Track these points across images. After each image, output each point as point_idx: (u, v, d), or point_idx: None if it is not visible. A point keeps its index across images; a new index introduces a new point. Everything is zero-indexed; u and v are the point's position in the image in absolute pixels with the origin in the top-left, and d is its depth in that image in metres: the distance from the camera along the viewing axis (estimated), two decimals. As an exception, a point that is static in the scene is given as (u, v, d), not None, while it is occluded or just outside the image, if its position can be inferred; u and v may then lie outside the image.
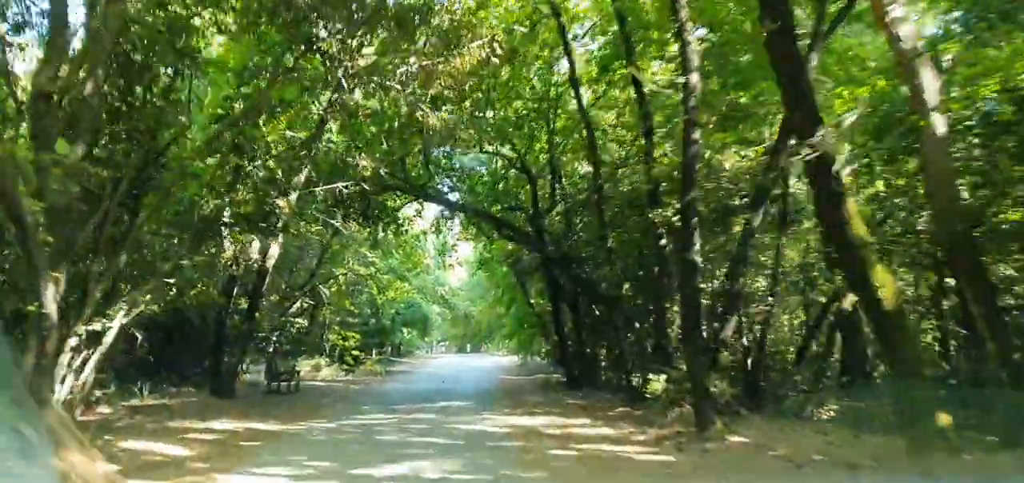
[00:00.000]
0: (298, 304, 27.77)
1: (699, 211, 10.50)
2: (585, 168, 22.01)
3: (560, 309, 21.05)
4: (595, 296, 17.73)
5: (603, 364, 22.39)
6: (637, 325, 15.04)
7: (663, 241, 14.20)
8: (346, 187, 16.49)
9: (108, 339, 11.67)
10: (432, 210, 31.43)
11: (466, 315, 73.24)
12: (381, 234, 28.24)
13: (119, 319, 11.75)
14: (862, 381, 14.57)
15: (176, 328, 20.10)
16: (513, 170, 21.00)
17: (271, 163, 14.95)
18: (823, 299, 15.80)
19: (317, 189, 16.31)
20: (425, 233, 33.29)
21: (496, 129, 18.00)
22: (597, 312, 22.01)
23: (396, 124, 17.56)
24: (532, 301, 30.93)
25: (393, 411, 15.03)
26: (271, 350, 26.06)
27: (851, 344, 15.66)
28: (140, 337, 18.14)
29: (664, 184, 14.04)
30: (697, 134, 9.63)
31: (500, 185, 22.08)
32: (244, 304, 18.01)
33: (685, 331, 10.25)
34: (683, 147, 9.77)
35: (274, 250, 16.38)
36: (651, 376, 14.58)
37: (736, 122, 12.76)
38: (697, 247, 9.83)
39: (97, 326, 11.40)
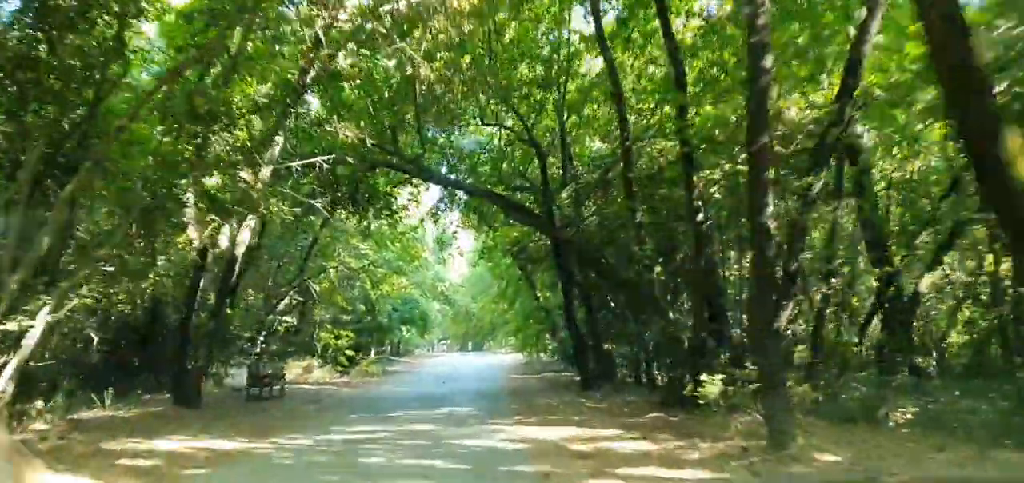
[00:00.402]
0: (286, 300, 25.54)
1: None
2: (597, 144, 19.83)
3: (572, 301, 18.78)
4: (615, 283, 15.47)
5: (619, 362, 20.19)
6: (670, 315, 12.71)
7: (700, 215, 11.95)
8: (327, 162, 14.20)
9: (29, 341, 9.41)
10: (429, 198, 29.22)
11: (467, 312, 71.09)
12: (374, 224, 26.12)
13: (43, 317, 9.51)
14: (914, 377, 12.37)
15: (151, 328, 17.93)
16: (519, 144, 18.69)
17: (238, 131, 12.71)
18: (875, 282, 13.65)
19: (294, 164, 14.02)
20: (421, 222, 31.11)
21: (499, 93, 15.69)
22: (612, 304, 19.83)
23: (386, 90, 15.35)
24: (538, 294, 28.73)
25: (386, 420, 12.77)
26: (257, 351, 23.86)
27: (901, 336, 13.42)
28: (96, 338, 16.08)
29: (702, 146, 11.80)
30: (768, 60, 7.35)
31: (504, 163, 19.78)
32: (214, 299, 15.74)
33: (757, 319, 7.96)
34: (750, 78, 7.49)
35: (244, 236, 14.10)
36: (686, 374, 12.31)
37: (796, 63, 10.49)
38: (770, 209, 7.53)
39: (12, 325, 9.20)
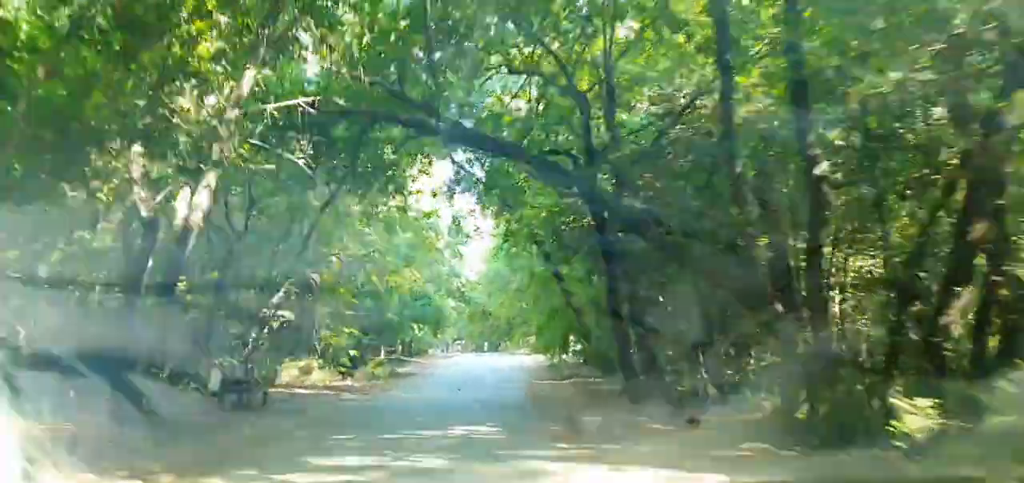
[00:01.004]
0: (282, 292, 22.25)
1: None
2: (644, 105, 16.29)
3: (618, 294, 15.20)
4: (691, 265, 11.89)
5: (672, 368, 16.61)
6: (806, 312, 8.97)
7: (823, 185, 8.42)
8: (312, 106, 10.83)
9: None
10: (442, 175, 25.83)
11: (483, 311, 67.66)
12: (381, 206, 22.75)
13: None
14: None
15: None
16: (553, 102, 15.18)
17: (191, 60, 9.37)
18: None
19: (268, 107, 10.66)
20: (435, 212, 27.76)
21: (531, 30, 12.20)
22: (661, 297, 16.31)
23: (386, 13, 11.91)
24: (566, 289, 25.25)
25: (382, 447, 9.31)
26: (247, 349, 20.60)
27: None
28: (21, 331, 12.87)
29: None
30: None
31: (534, 130, 16.26)
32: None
33: None
34: None
35: (202, 199, 10.72)
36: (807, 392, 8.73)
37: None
38: None
39: None
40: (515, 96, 16.45)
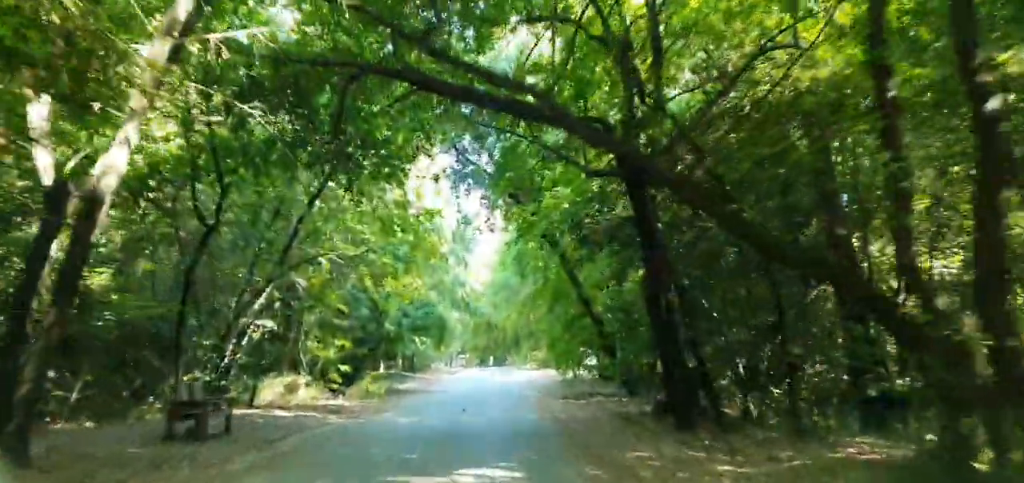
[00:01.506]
0: (263, 298, 19.40)
1: None
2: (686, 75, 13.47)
3: (664, 296, 12.23)
4: (782, 256, 8.94)
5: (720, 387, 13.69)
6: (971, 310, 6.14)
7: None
8: (270, 42, 8.04)
9: None
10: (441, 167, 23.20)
11: (488, 323, 64.64)
12: (377, 200, 19.94)
13: None
14: None
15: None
16: (583, 56, 12.32)
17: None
18: None
19: (211, 37, 7.85)
20: (437, 181, 24.89)
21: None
22: (699, 300, 13.37)
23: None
24: (585, 295, 22.36)
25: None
26: (222, 365, 17.77)
27: None
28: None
29: None
30: None
31: (567, 73, 13.29)
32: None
33: None
34: None
35: (117, 158, 7.85)
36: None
37: None
38: None
39: None
40: (534, 57, 13.57)
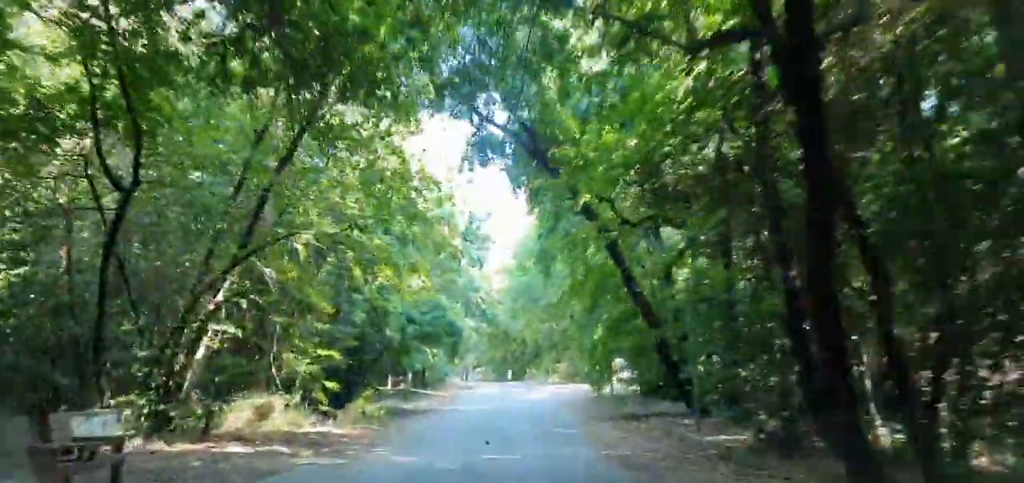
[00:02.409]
0: (222, 295, 14.65)
1: None
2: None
3: (823, 260, 7.24)
4: None
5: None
6: None
7: None
8: None
9: None
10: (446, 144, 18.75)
11: (506, 333, 59.54)
12: (354, 157, 15.17)
13: None
14: None
15: None
16: None
17: None
18: None
19: None
20: (449, 197, 20.15)
21: None
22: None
23: None
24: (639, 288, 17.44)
25: None
26: (162, 385, 13.08)
27: None
28: None
29: None
30: None
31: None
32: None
33: None
34: None
35: None
36: None
37: None
38: None
39: None
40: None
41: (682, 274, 16.62)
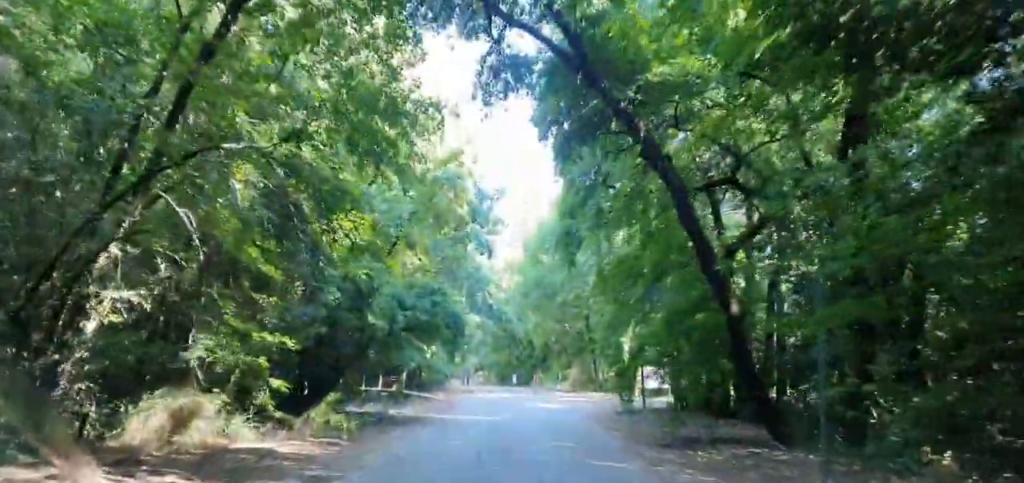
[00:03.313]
0: (115, 247, 9.71)
1: None
2: None
3: None
4: None
5: None
6: None
7: None
8: None
9: None
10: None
11: (512, 335, 54.35)
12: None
13: None
14: None
15: None
16: None
17: None
18: None
19: None
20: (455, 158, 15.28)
21: None
22: None
23: None
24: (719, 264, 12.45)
25: None
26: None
27: None
28: None
29: None
30: None
31: None
32: None
33: None
34: None
35: None
36: None
37: None
38: None
39: None
40: None
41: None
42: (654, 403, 22.68)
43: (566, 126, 15.28)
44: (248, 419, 12.57)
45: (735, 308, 11.93)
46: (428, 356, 27.94)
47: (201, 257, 10.71)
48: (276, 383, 11.62)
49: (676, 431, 14.77)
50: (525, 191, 55.64)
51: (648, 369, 23.63)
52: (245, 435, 12.27)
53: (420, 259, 19.80)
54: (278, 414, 13.18)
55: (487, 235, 26.93)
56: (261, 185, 10.70)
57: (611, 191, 20.79)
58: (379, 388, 28.78)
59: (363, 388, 27.47)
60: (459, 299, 24.06)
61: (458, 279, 24.77)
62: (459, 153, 17.34)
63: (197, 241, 10.33)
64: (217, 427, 11.35)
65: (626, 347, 23.98)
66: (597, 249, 22.31)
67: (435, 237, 20.36)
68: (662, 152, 12.22)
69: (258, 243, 10.65)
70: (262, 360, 11.47)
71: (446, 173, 18.33)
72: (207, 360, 11.27)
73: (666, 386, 30.23)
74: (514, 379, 54.94)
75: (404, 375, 30.04)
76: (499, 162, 70.97)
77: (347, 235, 9.95)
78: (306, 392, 15.79)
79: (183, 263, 10.95)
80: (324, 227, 10.30)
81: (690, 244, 12.46)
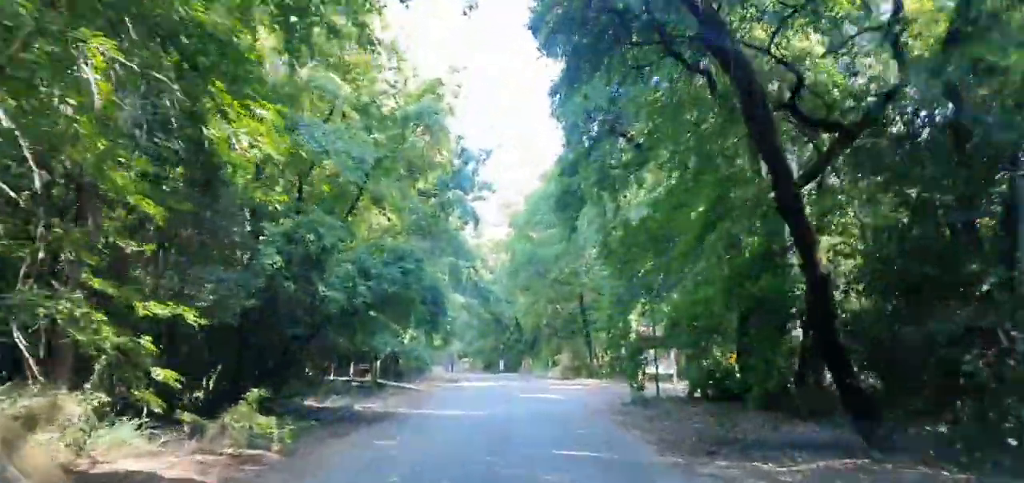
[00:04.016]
0: None
1: None
2: None
3: None
4: None
5: None
6: None
7: None
8: None
9: None
10: None
11: (498, 319, 50.66)
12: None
13: None
14: None
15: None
16: None
17: None
18: None
19: None
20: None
21: None
22: None
23: None
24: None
25: None
26: None
27: None
28: None
29: None
30: None
31: None
32: None
33: None
34: None
35: None
36: None
37: None
38: None
39: None
40: None
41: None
42: (666, 390, 19.21)
43: (575, 39, 11.59)
44: (140, 427, 8.82)
45: (823, 262, 8.36)
46: (405, 341, 24.22)
47: (37, 182, 6.87)
48: (161, 374, 7.82)
49: (728, 430, 11.23)
50: (512, 177, 51.83)
51: (653, 351, 20.20)
52: (137, 446, 8.54)
53: (389, 218, 16.03)
54: (188, 417, 9.42)
55: (473, 202, 23.23)
56: (131, 71, 6.83)
57: (622, 142, 17.26)
58: (350, 377, 25.04)
59: (331, 378, 23.70)
60: (441, 274, 20.29)
61: (438, 248, 20.97)
62: (437, 84, 13.61)
63: (27, 155, 6.50)
64: (72, 436, 7.56)
65: (634, 326, 20.50)
66: (602, 212, 18.74)
67: (409, 194, 16.57)
68: (728, 29, 8.58)
69: (123, 160, 6.82)
70: (145, 340, 7.67)
71: (421, 109, 14.50)
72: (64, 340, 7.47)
73: (671, 372, 26.92)
74: (501, 365, 51.38)
75: (377, 363, 26.28)
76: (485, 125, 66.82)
77: (254, 144, 6.20)
78: (238, 386, 11.99)
79: (12, 194, 7.11)
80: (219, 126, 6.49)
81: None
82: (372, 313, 14.77)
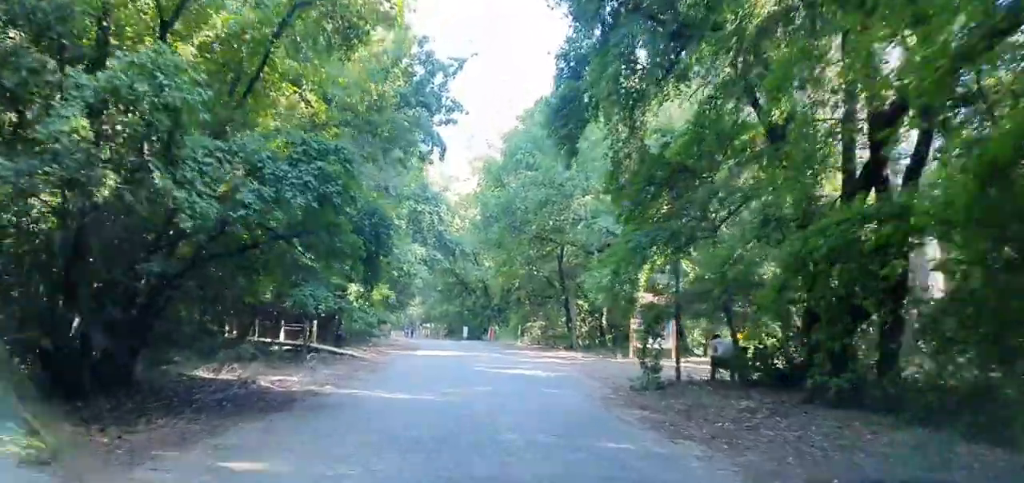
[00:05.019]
0: None
1: None
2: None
3: None
4: None
5: None
6: None
7: None
8: None
9: None
10: None
11: (463, 282, 45.35)
12: None
13: None
14: None
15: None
16: None
17: None
18: None
19: None
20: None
21: None
22: None
23: None
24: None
25: None
26: None
27: None
28: None
29: None
30: None
31: None
32: None
33: None
34: None
35: None
36: None
37: None
38: None
39: None
40: None
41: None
42: (686, 369, 14.50)
43: None
44: None
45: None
46: (352, 299, 18.84)
47: None
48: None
49: (852, 453, 6.47)
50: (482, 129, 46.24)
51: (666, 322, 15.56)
52: None
53: (311, 104, 10.68)
54: None
55: (439, 125, 17.84)
56: None
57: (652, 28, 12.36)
58: (275, 341, 19.63)
59: (252, 339, 18.29)
60: (389, 207, 14.93)
61: (392, 180, 15.56)
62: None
63: None
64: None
65: (642, 284, 15.78)
66: (611, 133, 13.73)
67: (348, 71, 11.22)
68: None
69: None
70: None
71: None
72: None
73: (669, 346, 22.42)
74: (465, 332, 46.40)
75: (315, 325, 20.89)
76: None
77: None
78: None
79: None
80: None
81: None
82: (278, 244, 9.44)
